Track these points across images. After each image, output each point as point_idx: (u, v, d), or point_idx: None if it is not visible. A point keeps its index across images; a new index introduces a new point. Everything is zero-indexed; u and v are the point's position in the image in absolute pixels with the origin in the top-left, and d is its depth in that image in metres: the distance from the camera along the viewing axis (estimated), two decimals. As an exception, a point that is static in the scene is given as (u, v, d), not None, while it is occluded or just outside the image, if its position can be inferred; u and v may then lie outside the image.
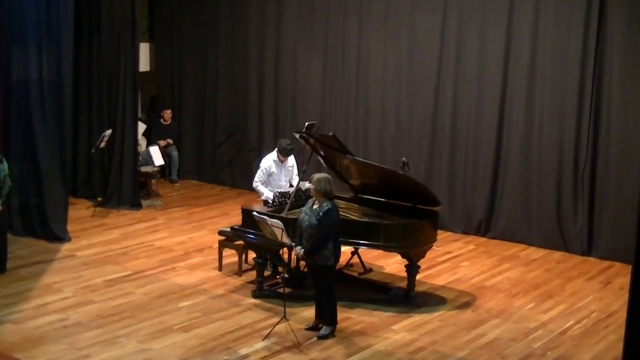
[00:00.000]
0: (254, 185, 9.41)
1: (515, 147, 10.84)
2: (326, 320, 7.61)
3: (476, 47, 10.98)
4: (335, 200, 7.70)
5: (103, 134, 11.80)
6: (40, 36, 10.15)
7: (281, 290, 8.16)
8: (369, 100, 12.14)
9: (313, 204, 7.51)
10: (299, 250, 7.49)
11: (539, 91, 10.54)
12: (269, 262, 8.98)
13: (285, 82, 13.12)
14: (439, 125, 11.45)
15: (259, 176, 9.32)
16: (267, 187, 9.29)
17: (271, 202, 8.74)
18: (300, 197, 8.73)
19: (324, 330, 7.59)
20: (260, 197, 9.39)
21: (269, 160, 9.34)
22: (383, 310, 8.30)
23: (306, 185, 8.90)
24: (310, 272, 7.78)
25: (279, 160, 9.29)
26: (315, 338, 7.52)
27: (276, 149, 9.32)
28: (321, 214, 7.31)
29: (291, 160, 9.46)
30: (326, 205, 7.36)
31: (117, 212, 11.88)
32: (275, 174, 9.32)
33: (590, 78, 10.10)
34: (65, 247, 10.16)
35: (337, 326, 7.66)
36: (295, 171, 9.50)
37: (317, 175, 7.49)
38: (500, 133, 10.93)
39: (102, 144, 11.77)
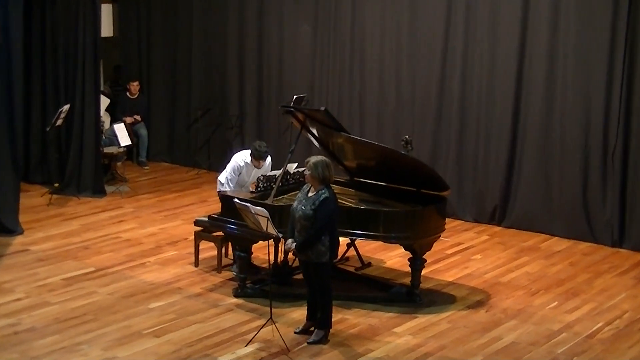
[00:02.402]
0: (218, 179, 9.18)
1: (534, 123, 10.80)
2: (319, 323, 7.59)
3: (489, 6, 10.92)
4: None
5: (60, 109, 11.74)
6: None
7: (267, 288, 8.14)
8: (365, 70, 12.10)
9: (308, 191, 7.46)
10: (290, 243, 7.45)
11: (562, 58, 10.49)
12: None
13: (270, 49, 13.07)
14: (446, 98, 11.41)
15: (229, 174, 9.04)
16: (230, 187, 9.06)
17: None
18: (287, 181, 8.69)
19: (316, 334, 7.57)
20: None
21: (242, 159, 9.04)
22: (383, 311, 8.29)
23: (294, 167, 8.85)
24: (302, 268, 7.74)
25: (252, 164, 9.04)
26: (305, 343, 7.50)
27: (250, 151, 9.04)
28: (317, 203, 7.26)
29: (267, 162, 9.18)
30: (323, 193, 7.31)
31: (76, 200, 11.86)
32: (244, 175, 9.10)
33: (622, 42, 10.05)
34: (17, 240, 10.12)
35: (331, 329, 7.64)
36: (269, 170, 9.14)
37: (313, 159, 7.43)
38: (517, 106, 10.90)
39: (59, 121, 11.72)
